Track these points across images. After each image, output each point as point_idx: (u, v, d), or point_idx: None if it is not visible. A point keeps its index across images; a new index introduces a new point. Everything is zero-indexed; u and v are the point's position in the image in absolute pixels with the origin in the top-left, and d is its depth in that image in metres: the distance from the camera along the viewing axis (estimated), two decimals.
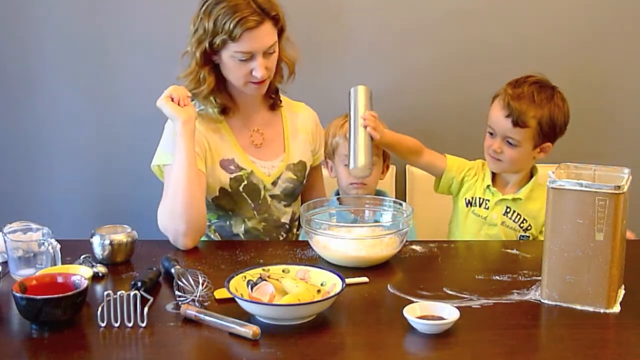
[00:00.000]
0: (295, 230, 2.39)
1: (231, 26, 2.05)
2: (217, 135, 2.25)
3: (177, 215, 2.05)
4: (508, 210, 2.31)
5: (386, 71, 2.78)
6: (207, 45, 2.11)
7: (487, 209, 2.33)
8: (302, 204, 2.15)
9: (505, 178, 2.36)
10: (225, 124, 2.27)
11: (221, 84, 2.21)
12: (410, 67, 2.78)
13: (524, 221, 2.30)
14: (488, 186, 2.33)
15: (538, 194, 2.29)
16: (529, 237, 2.31)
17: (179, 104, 2.09)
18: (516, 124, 2.22)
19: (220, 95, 2.22)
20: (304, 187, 2.39)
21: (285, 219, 2.34)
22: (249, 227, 2.29)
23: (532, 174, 2.36)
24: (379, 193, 2.29)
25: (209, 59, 2.16)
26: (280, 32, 2.18)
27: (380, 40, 2.77)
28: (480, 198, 2.35)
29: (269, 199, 2.28)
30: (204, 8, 2.11)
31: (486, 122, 2.31)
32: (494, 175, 2.36)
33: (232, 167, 2.24)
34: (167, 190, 2.11)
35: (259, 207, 2.28)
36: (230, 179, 2.23)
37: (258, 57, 2.11)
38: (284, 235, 2.35)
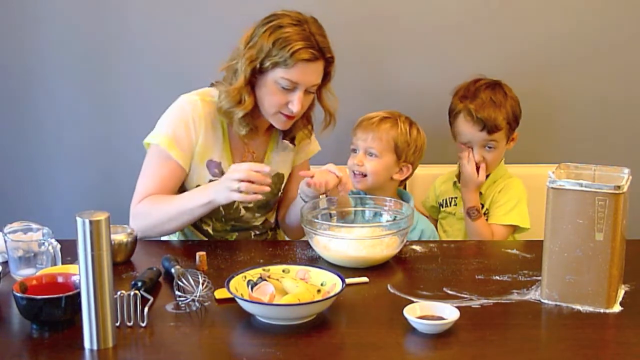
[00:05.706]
0: (269, 232, 2.38)
1: (289, 52, 2.05)
2: (213, 133, 2.22)
3: (148, 231, 2.12)
4: None
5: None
6: (258, 64, 2.10)
7: (456, 205, 2.45)
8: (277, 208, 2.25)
9: None
10: (225, 128, 2.24)
11: (254, 107, 2.18)
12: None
13: (487, 212, 2.41)
14: (454, 182, 2.45)
15: (498, 184, 2.41)
16: None
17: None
18: (492, 131, 2.33)
19: (249, 117, 2.18)
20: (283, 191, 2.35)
21: (257, 222, 2.32)
22: (217, 227, 2.28)
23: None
24: (401, 194, 2.31)
25: (253, 79, 2.14)
26: (326, 80, 2.18)
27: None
28: (449, 198, 2.47)
29: (242, 210, 2.27)
30: (264, 29, 2.09)
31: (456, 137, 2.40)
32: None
33: (216, 170, 2.21)
34: (162, 207, 2.12)
35: (229, 215, 2.26)
36: (210, 180, 2.20)
37: (299, 90, 2.10)
38: (256, 234, 2.34)
